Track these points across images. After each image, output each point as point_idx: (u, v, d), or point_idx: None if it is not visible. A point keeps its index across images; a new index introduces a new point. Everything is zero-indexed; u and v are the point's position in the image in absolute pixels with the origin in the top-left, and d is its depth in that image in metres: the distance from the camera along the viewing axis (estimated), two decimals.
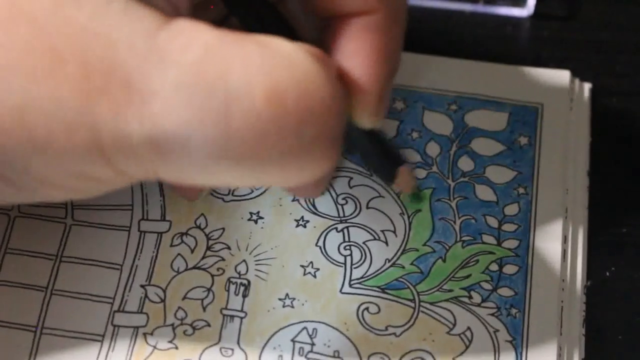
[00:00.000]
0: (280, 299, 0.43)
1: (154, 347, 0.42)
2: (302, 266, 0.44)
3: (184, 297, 0.43)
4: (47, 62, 0.32)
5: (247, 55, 0.33)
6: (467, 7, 0.53)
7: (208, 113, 0.32)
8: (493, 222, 0.45)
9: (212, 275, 0.44)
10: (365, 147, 0.42)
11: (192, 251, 0.44)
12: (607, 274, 0.45)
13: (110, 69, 0.32)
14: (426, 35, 0.52)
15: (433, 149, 0.47)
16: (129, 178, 0.35)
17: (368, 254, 0.45)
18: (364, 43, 0.37)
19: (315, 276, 0.44)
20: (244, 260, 0.44)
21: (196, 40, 0.32)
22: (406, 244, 0.45)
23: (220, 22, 0.41)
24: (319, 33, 0.39)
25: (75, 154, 0.33)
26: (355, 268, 0.44)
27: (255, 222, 0.45)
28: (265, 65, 0.33)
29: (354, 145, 0.43)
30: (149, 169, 0.34)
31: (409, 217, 0.45)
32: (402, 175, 0.43)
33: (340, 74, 0.37)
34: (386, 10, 0.37)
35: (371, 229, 0.45)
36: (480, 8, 0.53)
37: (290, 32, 0.38)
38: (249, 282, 0.44)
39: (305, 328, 0.43)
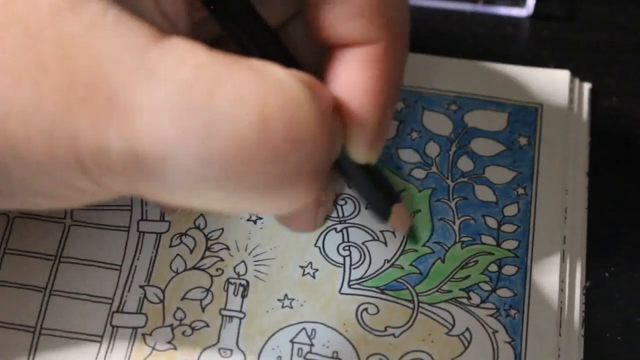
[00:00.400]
0: (279, 300, 0.43)
1: (153, 347, 0.42)
2: (301, 267, 0.44)
3: (183, 298, 0.43)
4: (33, 69, 0.32)
5: (237, 78, 0.32)
6: (467, 7, 0.53)
7: (191, 133, 0.32)
8: (492, 222, 0.45)
9: (211, 276, 0.44)
10: (359, 182, 0.41)
11: (191, 252, 0.44)
12: (607, 274, 0.45)
13: (95, 81, 0.32)
14: (426, 35, 0.52)
15: (432, 149, 0.47)
16: (112, 192, 0.34)
17: (367, 255, 0.45)
18: (363, 74, 0.37)
19: (314, 277, 0.44)
20: (243, 261, 0.44)
21: (188, 59, 0.32)
22: (405, 244, 0.45)
23: (217, 41, 0.40)
24: (320, 61, 0.38)
25: (55, 164, 0.33)
26: (354, 269, 0.44)
27: (255, 222, 0.45)
28: (255, 89, 0.32)
29: (348, 179, 0.42)
30: (129, 185, 0.33)
31: None
32: (396, 213, 0.42)
33: (337, 105, 0.36)
34: (388, 40, 0.37)
35: (370, 230, 0.45)
36: (480, 8, 0.53)
37: (287, 58, 0.37)
38: (248, 282, 0.44)
39: (304, 329, 0.43)
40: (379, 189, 0.41)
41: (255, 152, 0.32)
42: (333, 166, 0.37)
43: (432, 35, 0.52)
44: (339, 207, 0.46)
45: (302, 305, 0.43)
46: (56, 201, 0.36)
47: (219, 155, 0.32)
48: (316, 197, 0.35)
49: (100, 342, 0.42)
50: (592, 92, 0.50)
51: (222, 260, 0.44)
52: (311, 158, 0.33)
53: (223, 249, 0.44)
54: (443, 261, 0.44)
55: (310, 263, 0.44)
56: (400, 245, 0.45)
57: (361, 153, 0.38)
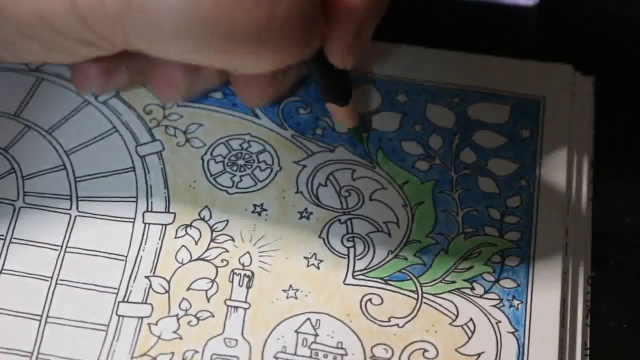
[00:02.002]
0: (284, 290, 0.43)
1: (159, 337, 0.42)
2: (305, 258, 0.44)
3: (188, 288, 0.43)
4: None
5: None
6: None
7: None
8: (495, 214, 0.46)
9: (216, 267, 0.44)
10: (321, 78, 0.44)
11: (196, 243, 0.44)
12: (612, 263, 0.46)
13: None
14: (431, 25, 0.52)
15: (436, 142, 0.47)
16: (108, 41, 0.37)
17: (371, 246, 0.45)
18: None
19: (318, 268, 0.44)
20: (248, 252, 0.44)
21: None
22: (409, 235, 0.45)
23: None
24: None
25: (53, 17, 0.36)
26: (358, 260, 0.44)
27: (259, 214, 0.45)
28: None
29: (314, 72, 0.44)
30: (122, 31, 0.36)
31: (411, 209, 0.46)
32: (349, 109, 0.45)
33: None
34: None
35: (374, 221, 0.45)
36: None
37: None
38: (252, 273, 0.44)
39: (308, 319, 0.43)
40: (338, 85, 0.44)
41: None
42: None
43: (437, 26, 0.52)
44: (342, 199, 0.46)
45: (306, 296, 0.43)
46: (66, 55, 0.39)
47: None
48: (307, 52, 0.37)
49: (106, 331, 0.42)
50: (597, 83, 0.50)
51: (227, 251, 0.44)
52: (300, 7, 0.35)
53: (228, 240, 0.45)
54: (446, 252, 0.45)
55: (315, 254, 0.44)
56: (404, 237, 0.45)
57: (337, 55, 0.40)
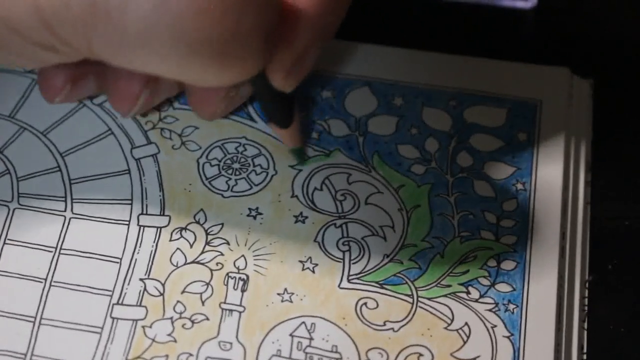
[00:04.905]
0: (279, 294, 0.43)
1: (153, 339, 0.42)
2: (300, 261, 0.44)
3: (183, 291, 0.43)
4: None
5: None
6: None
7: None
8: (491, 217, 0.45)
9: (211, 270, 0.44)
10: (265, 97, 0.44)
11: (191, 246, 0.44)
12: (610, 266, 0.46)
13: None
14: (427, 28, 0.52)
15: (432, 145, 0.47)
16: (72, 48, 0.37)
17: (366, 250, 0.45)
18: None
19: (313, 271, 0.44)
20: (243, 256, 0.44)
21: None
22: (404, 239, 0.45)
23: None
24: None
25: (17, 20, 0.36)
26: (353, 263, 0.44)
27: (254, 218, 0.45)
28: None
29: (255, 91, 0.44)
30: (86, 38, 0.35)
31: (407, 213, 0.45)
32: (291, 130, 0.45)
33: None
34: None
35: (370, 225, 0.45)
36: (483, 0, 0.53)
37: None
38: (247, 277, 0.44)
39: (303, 323, 0.43)
40: (280, 107, 0.44)
41: (212, 5, 0.34)
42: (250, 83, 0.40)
43: (434, 28, 0.52)
44: (338, 203, 0.46)
45: (301, 300, 0.43)
46: (26, 60, 0.39)
47: (175, 4, 0.34)
48: (259, 66, 0.38)
49: (100, 333, 0.42)
50: (594, 86, 0.50)
51: (222, 254, 0.44)
52: (264, 22, 0.35)
53: (223, 243, 0.44)
54: (442, 256, 0.44)
55: (310, 258, 0.44)
56: (400, 240, 0.45)
57: (279, 79, 0.40)
